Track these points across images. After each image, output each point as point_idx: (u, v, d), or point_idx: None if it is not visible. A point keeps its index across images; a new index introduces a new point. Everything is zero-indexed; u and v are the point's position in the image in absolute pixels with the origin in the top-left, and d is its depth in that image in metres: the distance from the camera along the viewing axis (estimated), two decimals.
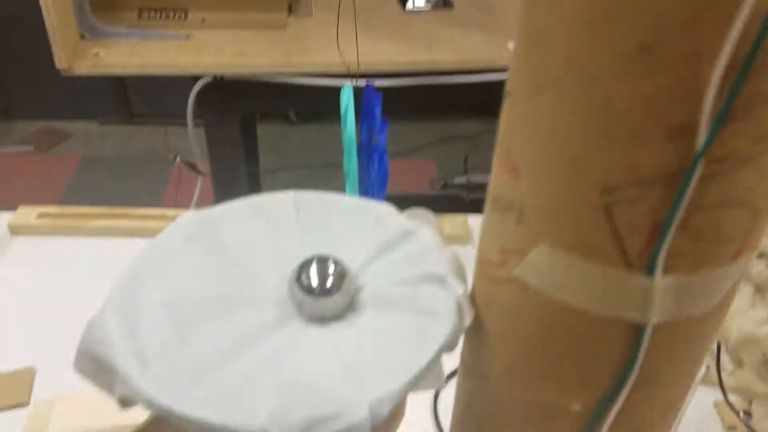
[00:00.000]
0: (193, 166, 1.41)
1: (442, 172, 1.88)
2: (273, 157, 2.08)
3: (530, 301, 0.26)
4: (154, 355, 0.26)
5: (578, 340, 0.26)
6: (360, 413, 0.24)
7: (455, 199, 1.26)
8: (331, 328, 0.30)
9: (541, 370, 0.28)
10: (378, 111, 0.72)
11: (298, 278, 0.30)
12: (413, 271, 0.30)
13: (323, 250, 0.32)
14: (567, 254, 0.24)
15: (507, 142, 0.25)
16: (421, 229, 0.32)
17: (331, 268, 0.30)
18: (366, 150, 0.76)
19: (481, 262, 0.29)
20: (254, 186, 1.58)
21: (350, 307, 0.30)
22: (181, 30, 1.27)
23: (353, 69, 1.18)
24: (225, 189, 1.42)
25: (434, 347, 0.27)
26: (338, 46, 1.21)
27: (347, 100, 0.73)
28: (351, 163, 0.73)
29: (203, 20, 1.28)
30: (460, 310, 0.28)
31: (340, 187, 2.17)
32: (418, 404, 0.29)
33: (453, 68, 1.26)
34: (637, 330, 0.25)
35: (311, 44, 1.27)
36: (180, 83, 1.28)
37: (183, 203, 1.42)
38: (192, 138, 1.31)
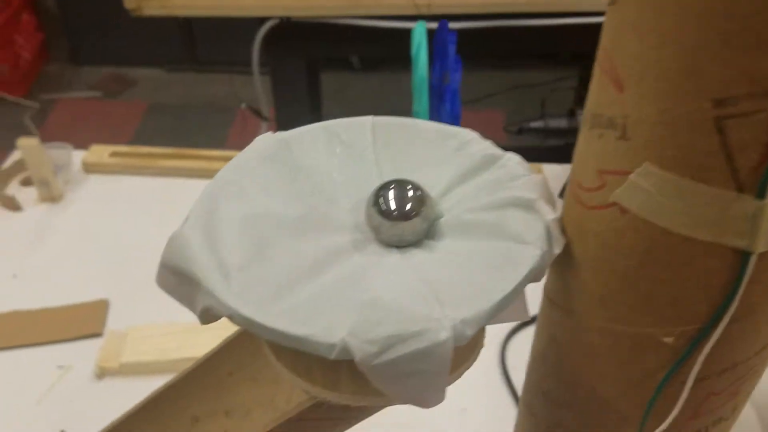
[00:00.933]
0: (257, 112, 1.41)
1: (511, 121, 1.85)
2: (336, 106, 2.08)
3: (629, 228, 0.25)
4: (235, 268, 0.26)
5: (677, 269, 0.25)
6: (443, 333, 0.24)
7: (530, 149, 1.23)
8: (410, 253, 0.29)
9: (634, 301, 0.26)
10: (452, 49, 0.70)
11: (376, 202, 0.29)
12: (498, 196, 0.29)
13: (401, 176, 0.31)
14: (672, 173, 0.23)
15: (610, 52, 0.23)
16: (507, 154, 0.30)
17: (411, 193, 0.29)
18: (437, 91, 0.74)
19: (575, 187, 0.28)
20: None
21: (430, 233, 0.29)
22: None
23: (424, 10, 1.16)
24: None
25: (522, 271, 0.26)
26: None
27: (420, 38, 0.71)
28: (422, 104, 0.71)
29: None
30: (549, 236, 0.27)
31: None
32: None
33: (529, 10, 1.21)
34: (742, 258, 0.23)
35: None
36: (246, 28, 1.27)
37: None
38: (258, 84, 1.31)
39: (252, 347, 0.35)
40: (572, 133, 0.82)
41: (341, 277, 0.27)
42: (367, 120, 0.33)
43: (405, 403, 0.26)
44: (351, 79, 2.30)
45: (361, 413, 0.31)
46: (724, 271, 0.24)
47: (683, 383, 0.28)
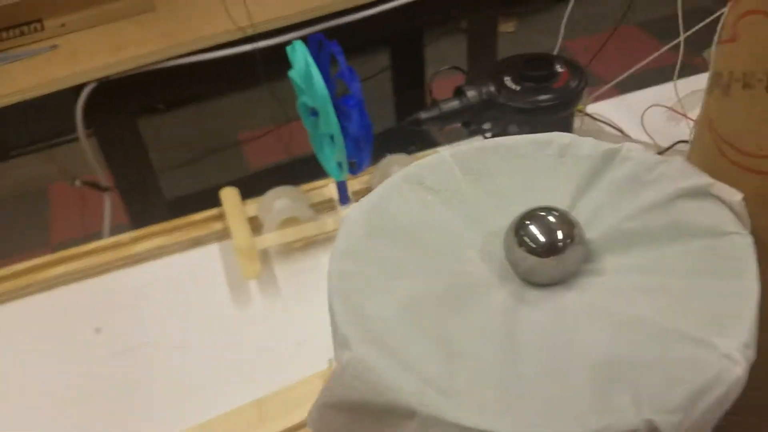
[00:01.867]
0: (95, 185, 1.28)
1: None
2: (159, 152, 1.94)
3: None
4: (442, 379, 0.21)
5: None
6: (737, 367, 0.20)
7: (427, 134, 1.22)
8: (582, 286, 0.25)
9: None
10: (342, 59, 0.66)
11: (521, 243, 0.25)
12: (652, 192, 0.26)
13: (512, 205, 0.27)
14: None
15: None
16: (624, 144, 0.27)
17: (552, 219, 0.25)
18: (336, 106, 0.70)
19: (741, 157, 0.25)
20: (157, 186, 1.46)
21: (585, 260, 0.26)
22: (42, 41, 1.12)
23: (249, 31, 1.10)
24: (134, 196, 1.31)
25: (751, 262, 0.23)
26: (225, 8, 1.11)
27: (304, 57, 0.66)
28: (330, 123, 0.66)
29: (63, 25, 1.14)
30: (740, 218, 0.24)
31: (243, 168, 2.07)
32: None
33: (344, 7, 1.20)
34: None
35: (192, 16, 1.16)
36: (59, 98, 1.14)
37: (94, 228, 1.29)
38: (89, 153, 1.18)
39: None
40: (467, 110, 0.81)
41: (539, 342, 0.23)
42: (444, 156, 0.29)
43: None
44: (161, 121, 2.17)
45: None
46: None
47: None
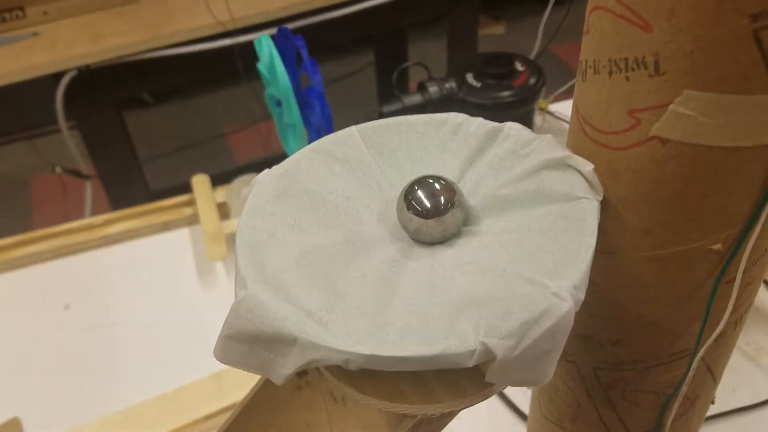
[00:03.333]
0: (76, 172, 1.31)
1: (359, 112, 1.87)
2: (146, 146, 1.97)
3: (670, 156, 0.26)
4: (323, 312, 0.24)
5: (722, 180, 0.27)
6: (565, 303, 0.24)
7: None
8: (460, 244, 0.29)
9: (681, 222, 0.28)
10: (305, 52, 0.69)
11: (410, 206, 0.28)
12: (523, 164, 0.29)
13: (410, 175, 0.31)
14: (715, 92, 0.24)
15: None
16: (507, 124, 0.31)
17: (437, 186, 0.29)
18: (300, 98, 0.73)
19: (594, 133, 0.29)
20: (142, 177, 1.49)
21: (465, 222, 0.29)
22: (24, 29, 1.16)
23: (229, 26, 1.13)
24: (117, 187, 1.34)
25: (592, 224, 0.27)
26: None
27: (269, 50, 0.70)
28: (293, 114, 0.70)
29: (45, 13, 1.17)
30: (592, 185, 0.28)
31: (228, 160, 2.08)
32: None
33: (325, 4, 1.23)
34: None
35: (175, 8, 1.19)
36: (40, 87, 1.17)
37: (75, 215, 1.32)
38: (69, 142, 1.21)
39: (273, 403, 0.33)
40: (429, 105, 0.85)
41: (414, 285, 0.27)
42: (352, 131, 0.32)
43: (520, 385, 0.26)
44: (150, 115, 2.20)
45: (452, 415, 0.30)
46: (764, 168, 0.26)
47: (730, 282, 0.30)
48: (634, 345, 0.34)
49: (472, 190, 0.30)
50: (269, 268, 0.26)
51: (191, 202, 0.85)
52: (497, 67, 0.86)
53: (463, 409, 0.29)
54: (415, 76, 1.19)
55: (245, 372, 0.27)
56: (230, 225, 0.80)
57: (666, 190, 0.28)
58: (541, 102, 0.94)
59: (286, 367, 0.25)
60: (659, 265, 0.30)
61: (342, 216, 0.30)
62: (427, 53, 2.02)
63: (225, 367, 0.63)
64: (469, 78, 0.86)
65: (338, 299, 0.25)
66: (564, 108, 0.99)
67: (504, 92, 0.85)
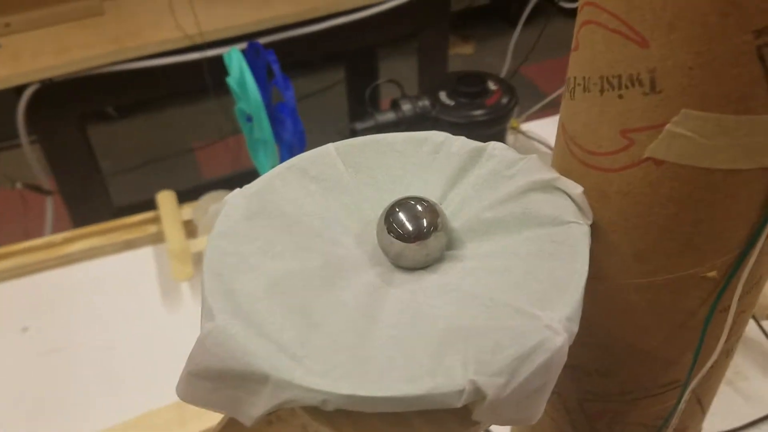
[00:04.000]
0: (38, 188, 1.27)
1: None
2: (111, 160, 1.93)
3: (665, 178, 0.25)
4: (297, 346, 0.22)
5: (720, 204, 0.25)
6: (559, 337, 0.22)
7: None
8: (443, 269, 0.27)
9: (675, 247, 0.27)
10: (277, 68, 0.68)
11: (390, 229, 0.27)
12: (508, 186, 0.28)
13: (387, 196, 0.29)
14: (714, 112, 0.23)
15: (628, 12, 0.23)
16: (490, 143, 0.29)
17: (419, 208, 0.27)
18: (271, 113, 0.71)
19: (583, 155, 0.27)
20: (106, 193, 1.45)
21: (448, 246, 0.28)
22: None
23: (197, 39, 1.11)
24: (79, 203, 1.30)
25: (582, 250, 0.25)
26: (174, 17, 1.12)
27: (239, 64, 0.68)
28: (264, 129, 0.68)
29: (7, 25, 1.14)
30: (582, 209, 0.27)
31: (195, 176, 2.04)
32: None
33: (295, 20, 1.21)
34: None
35: (142, 21, 1.17)
36: (1, 100, 1.13)
37: (36, 233, 1.28)
38: (30, 156, 1.18)
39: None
40: (402, 123, 0.83)
41: (396, 314, 0.25)
42: (329, 148, 0.31)
43: (510, 424, 0.24)
44: (114, 128, 2.16)
45: None
46: (763, 191, 0.25)
47: (724, 310, 0.29)
48: (623, 375, 0.32)
49: (455, 213, 0.29)
50: (239, 297, 0.24)
51: (156, 220, 0.82)
52: (470, 86, 0.85)
53: None
54: (387, 93, 1.18)
55: None
56: (197, 244, 0.77)
57: (659, 214, 0.26)
58: (513, 121, 0.94)
59: (256, 408, 0.23)
60: (651, 292, 0.29)
61: (318, 238, 0.28)
62: (398, 71, 2.01)
63: None
64: (443, 96, 0.85)
65: (314, 331, 0.23)
66: (535, 128, 0.98)
67: (477, 111, 0.84)
